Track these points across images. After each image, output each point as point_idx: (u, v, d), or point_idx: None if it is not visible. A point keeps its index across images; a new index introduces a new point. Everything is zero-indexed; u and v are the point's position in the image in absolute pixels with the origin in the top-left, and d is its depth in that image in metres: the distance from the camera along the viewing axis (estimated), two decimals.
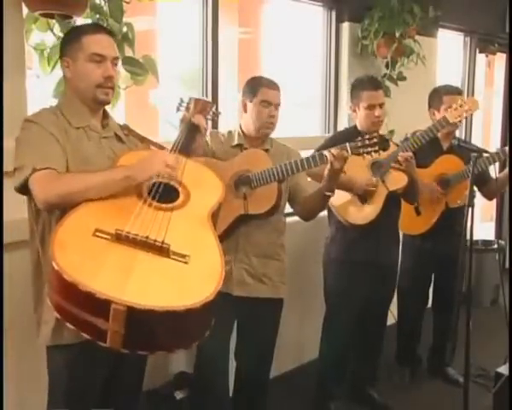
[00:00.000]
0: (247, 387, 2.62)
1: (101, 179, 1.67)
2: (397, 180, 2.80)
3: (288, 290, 2.58)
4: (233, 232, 2.39)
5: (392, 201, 2.83)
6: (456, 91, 3.19)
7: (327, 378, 3.06)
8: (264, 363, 2.60)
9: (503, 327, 2.92)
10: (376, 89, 2.84)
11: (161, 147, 1.97)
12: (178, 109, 2.22)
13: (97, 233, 1.53)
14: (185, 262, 1.53)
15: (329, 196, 2.35)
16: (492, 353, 3.35)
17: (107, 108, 1.94)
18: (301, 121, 4.19)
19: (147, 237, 1.54)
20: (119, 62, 2.22)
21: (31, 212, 1.80)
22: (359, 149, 2.24)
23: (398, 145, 2.84)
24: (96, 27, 1.87)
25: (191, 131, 2.04)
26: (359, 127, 2.89)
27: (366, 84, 2.86)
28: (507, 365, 2.68)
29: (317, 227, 3.03)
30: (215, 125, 3.11)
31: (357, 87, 2.90)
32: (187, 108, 2.19)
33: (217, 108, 2.35)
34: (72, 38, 1.81)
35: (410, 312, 3.49)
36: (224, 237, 2.37)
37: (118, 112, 2.28)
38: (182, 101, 2.23)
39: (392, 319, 3.59)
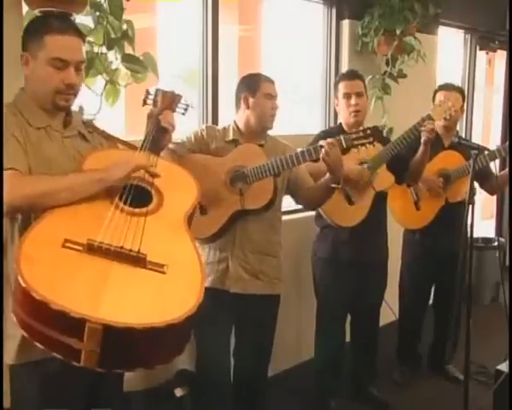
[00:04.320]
0: (245, 385, 2.61)
1: (72, 182, 1.56)
2: (384, 181, 2.82)
3: (285, 288, 2.58)
4: (229, 229, 2.39)
5: (379, 200, 2.84)
6: (452, 88, 3.21)
7: (323, 374, 3.07)
8: (262, 360, 2.60)
9: (504, 325, 2.92)
10: (352, 79, 2.89)
11: (129, 145, 1.87)
12: (145, 103, 2.06)
13: (67, 244, 1.42)
14: (163, 272, 1.44)
15: (335, 188, 2.34)
16: (492, 350, 3.36)
17: (106, 106, 1.91)
18: (301, 118, 4.19)
19: (121, 247, 1.44)
20: (119, 60, 2.23)
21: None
22: (353, 142, 2.24)
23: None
24: (62, 25, 1.64)
25: (159, 129, 1.90)
26: (342, 123, 2.92)
27: (343, 76, 2.97)
28: (507, 362, 2.69)
29: (314, 225, 3.03)
30: (215, 122, 3.11)
31: (337, 82, 2.97)
32: (154, 102, 2.02)
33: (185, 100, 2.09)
34: (33, 34, 1.63)
35: (411, 309, 3.49)
36: (220, 234, 2.38)
37: (118, 110, 2.28)
38: (148, 93, 2.06)
39: (392, 316, 3.60)
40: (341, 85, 2.88)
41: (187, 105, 2.05)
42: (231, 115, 2.59)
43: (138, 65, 2.28)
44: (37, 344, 1.32)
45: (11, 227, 1.61)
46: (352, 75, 2.92)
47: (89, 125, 1.86)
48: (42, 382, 1.59)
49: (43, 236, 1.44)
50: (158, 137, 1.86)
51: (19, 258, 1.35)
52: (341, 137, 2.24)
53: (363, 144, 2.24)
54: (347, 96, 2.84)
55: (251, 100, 2.44)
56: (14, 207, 1.52)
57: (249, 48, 3.76)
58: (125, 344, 1.30)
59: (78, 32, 1.69)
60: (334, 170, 2.27)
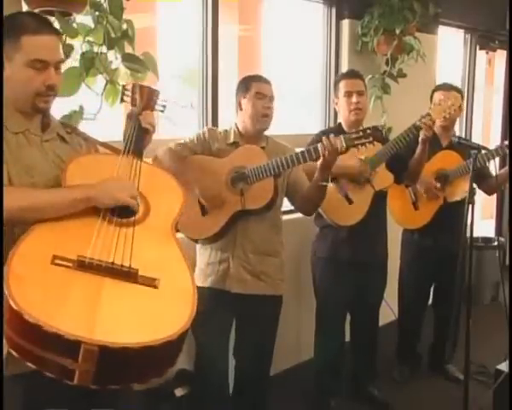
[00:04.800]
0: (246, 385, 2.61)
1: (60, 197, 1.51)
2: (383, 180, 2.82)
3: (285, 288, 2.58)
4: (230, 229, 2.39)
5: (379, 199, 2.84)
6: (451, 87, 3.21)
7: (323, 374, 3.07)
8: (263, 361, 2.59)
9: (504, 324, 2.92)
10: (353, 77, 2.90)
11: (110, 147, 1.84)
12: (122, 100, 2.01)
13: (56, 261, 1.37)
14: (155, 286, 1.42)
15: (325, 186, 2.34)
16: (492, 350, 3.36)
17: (106, 105, 1.89)
18: (301, 118, 4.19)
19: (112, 263, 1.40)
20: (119, 59, 2.22)
21: None
22: (354, 141, 2.24)
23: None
24: (39, 25, 1.56)
25: (141, 130, 1.84)
26: (342, 122, 2.93)
27: (344, 75, 2.98)
28: (507, 362, 2.69)
29: (314, 225, 3.03)
30: (215, 124, 3.11)
31: (337, 81, 2.98)
32: (132, 100, 1.96)
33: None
34: (8, 35, 1.54)
35: (411, 309, 3.49)
36: (221, 234, 2.39)
37: (117, 109, 2.28)
38: (125, 89, 1.99)
39: (392, 315, 3.60)
40: (342, 84, 2.89)
41: (165, 101, 2.00)
42: (231, 115, 2.60)
43: (139, 64, 2.28)
44: (28, 364, 1.28)
45: None
46: (353, 74, 2.93)
47: (67, 125, 1.81)
48: (36, 388, 1.52)
49: (31, 252, 1.39)
50: (140, 138, 1.81)
51: (8, 276, 1.30)
52: (341, 137, 2.24)
53: (363, 144, 2.24)
54: (348, 94, 2.85)
55: (243, 101, 2.47)
56: None
57: (249, 48, 3.76)
58: (120, 363, 1.28)
59: (55, 31, 1.63)
60: (325, 168, 2.27)
